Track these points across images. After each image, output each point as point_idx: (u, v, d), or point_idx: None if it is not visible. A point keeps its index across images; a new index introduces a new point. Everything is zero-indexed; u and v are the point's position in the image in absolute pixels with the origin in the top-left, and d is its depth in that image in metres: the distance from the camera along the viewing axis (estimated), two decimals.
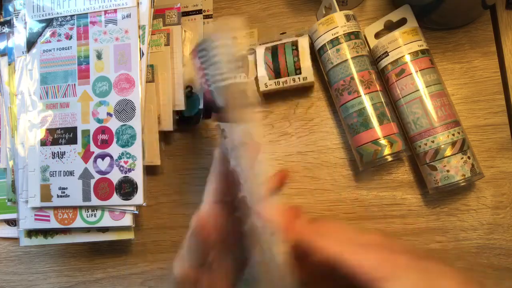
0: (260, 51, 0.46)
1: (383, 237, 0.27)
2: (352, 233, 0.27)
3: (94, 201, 0.40)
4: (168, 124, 0.44)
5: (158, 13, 0.45)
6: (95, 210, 0.41)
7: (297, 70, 0.44)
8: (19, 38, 0.43)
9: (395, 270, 0.24)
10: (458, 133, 0.40)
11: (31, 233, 0.44)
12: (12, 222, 0.49)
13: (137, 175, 0.40)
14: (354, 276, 0.24)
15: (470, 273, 0.43)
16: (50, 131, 0.42)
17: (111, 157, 0.40)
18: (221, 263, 0.30)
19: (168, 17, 0.45)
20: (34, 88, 0.42)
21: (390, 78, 0.43)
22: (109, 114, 0.41)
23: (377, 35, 0.46)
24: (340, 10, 0.43)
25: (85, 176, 0.41)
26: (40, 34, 0.43)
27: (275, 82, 0.45)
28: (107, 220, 0.41)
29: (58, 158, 0.41)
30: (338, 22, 0.42)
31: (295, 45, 0.45)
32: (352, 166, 0.46)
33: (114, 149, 0.40)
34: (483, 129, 0.44)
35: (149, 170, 0.42)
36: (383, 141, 0.41)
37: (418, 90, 0.41)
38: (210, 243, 0.28)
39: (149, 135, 0.42)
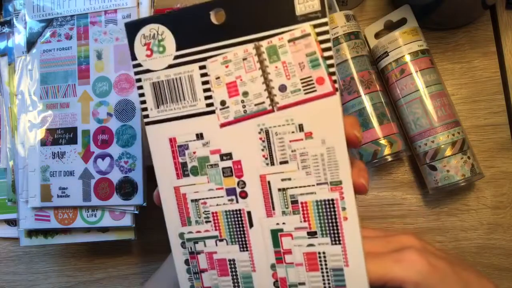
0: None
1: (419, 240, 0.27)
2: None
3: (94, 201, 0.40)
4: None
5: (159, 13, 0.45)
6: (95, 210, 0.41)
7: None
8: (19, 38, 0.43)
9: (442, 279, 0.24)
10: (458, 133, 0.40)
11: (31, 233, 0.44)
12: (12, 222, 0.49)
13: (137, 175, 0.40)
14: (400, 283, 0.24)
15: None
16: (50, 131, 0.41)
17: (111, 157, 0.40)
18: None
19: None
20: (34, 88, 0.42)
21: (390, 78, 0.43)
22: (109, 114, 0.41)
23: (377, 35, 0.46)
24: (340, 10, 0.43)
25: (85, 176, 0.41)
26: (40, 34, 0.43)
27: None
28: (107, 220, 0.41)
29: (58, 158, 0.41)
30: (338, 22, 0.42)
31: None
32: None
33: (114, 149, 0.40)
34: (483, 129, 0.44)
35: (150, 170, 0.42)
36: (383, 141, 0.41)
37: (418, 90, 0.41)
38: None
39: None
